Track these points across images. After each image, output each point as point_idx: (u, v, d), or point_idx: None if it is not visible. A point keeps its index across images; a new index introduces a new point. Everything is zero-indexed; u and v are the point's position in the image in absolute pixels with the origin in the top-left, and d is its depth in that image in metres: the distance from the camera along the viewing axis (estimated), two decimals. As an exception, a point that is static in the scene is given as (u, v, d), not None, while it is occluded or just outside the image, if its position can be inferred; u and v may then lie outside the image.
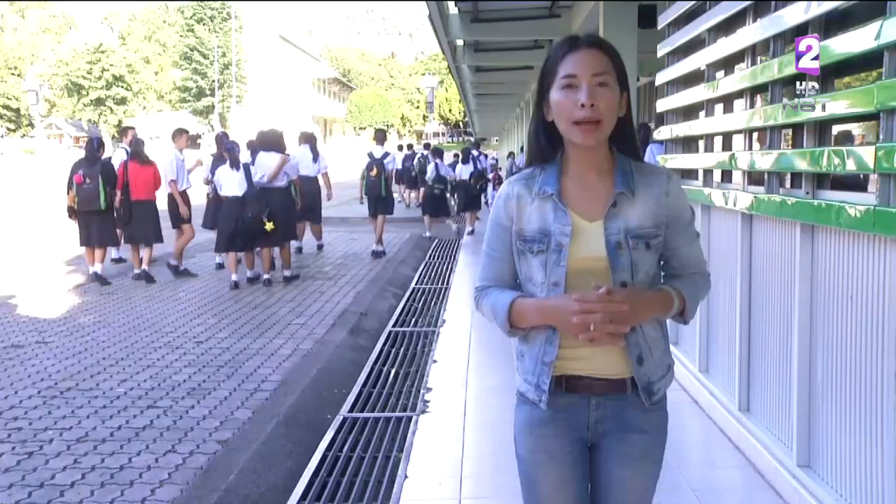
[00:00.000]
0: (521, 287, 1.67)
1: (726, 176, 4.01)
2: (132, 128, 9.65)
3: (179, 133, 8.98)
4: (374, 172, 10.76)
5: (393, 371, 5.20)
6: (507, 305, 1.60)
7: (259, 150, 8.63)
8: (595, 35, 1.61)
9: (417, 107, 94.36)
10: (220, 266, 9.45)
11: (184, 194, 8.84)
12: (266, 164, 8.43)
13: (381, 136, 11.64)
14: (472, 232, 13.03)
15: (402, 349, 5.75)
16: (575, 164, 1.62)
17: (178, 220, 8.92)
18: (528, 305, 1.59)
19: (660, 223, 1.59)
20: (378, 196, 10.85)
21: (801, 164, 2.91)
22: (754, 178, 3.58)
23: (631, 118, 1.64)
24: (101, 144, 8.65)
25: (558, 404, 1.63)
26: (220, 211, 8.24)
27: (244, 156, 8.87)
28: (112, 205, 8.30)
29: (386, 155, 11.12)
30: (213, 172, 8.89)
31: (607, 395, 1.61)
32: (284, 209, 8.49)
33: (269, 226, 7.94)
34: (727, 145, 3.98)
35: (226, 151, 8.31)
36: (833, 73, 2.82)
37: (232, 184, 7.99)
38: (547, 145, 1.64)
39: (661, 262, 1.66)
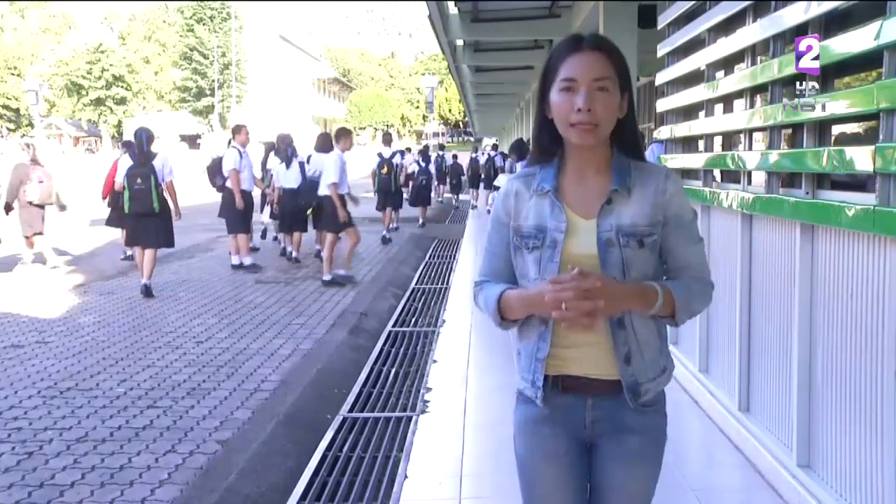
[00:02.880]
0: (517, 283, 1.67)
1: (726, 176, 4.01)
2: (244, 126, 9.72)
3: (345, 134, 8.69)
4: (385, 170, 12.65)
5: (393, 371, 5.20)
6: (497, 298, 1.62)
7: (315, 151, 9.69)
8: (599, 36, 1.59)
9: (417, 107, 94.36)
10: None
11: (341, 198, 8.39)
12: (320, 162, 9.32)
13: (387, 139, 13.78)
14: (422, 224, 14.88)
15: (402, 349, 5.75)
16: (574, 161, 1.62)
17: (341, 225, 8.56)
18: (513, 296, 1.60)
19: (655, 222, 1.58)
20: (389, 191, 12.75)
21: (801, 164, 2.91)
22: (754, 178, 3.58)
23: (633, 118, 1.63)
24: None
25: (555, 404, 1.63)
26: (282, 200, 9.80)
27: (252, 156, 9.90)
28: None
29: (394, 154, 13.24)
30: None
31: (603, 396, 1.61)
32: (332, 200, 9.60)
33: (309, 211, 9.32)
34: (727, 145, 3.98)
35: (281, 152, 9.81)
36: (833, 73, 2.82)
37: (289, 179, 9.63)
38: (549, 142, 1.64)
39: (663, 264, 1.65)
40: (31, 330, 6.40)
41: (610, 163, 1.61)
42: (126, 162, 7.73)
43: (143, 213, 7.59)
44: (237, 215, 9.26)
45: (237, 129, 9.57)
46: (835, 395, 2.76)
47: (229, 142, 9.57)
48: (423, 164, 15.84)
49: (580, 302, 1.43)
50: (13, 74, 60.81)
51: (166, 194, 7.69)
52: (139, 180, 7.52)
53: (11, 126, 60.95)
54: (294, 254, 10.04)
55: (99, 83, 60.83)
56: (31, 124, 58.40)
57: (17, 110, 60.00)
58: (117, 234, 10.67)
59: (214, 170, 9.57)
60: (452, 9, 11.08)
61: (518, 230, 1.63)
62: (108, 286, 8.44)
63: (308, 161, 9.66)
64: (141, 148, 7.67)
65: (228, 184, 9.21)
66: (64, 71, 61.66)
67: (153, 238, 7.73)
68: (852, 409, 2.63)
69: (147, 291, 7.79)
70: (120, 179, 7.71)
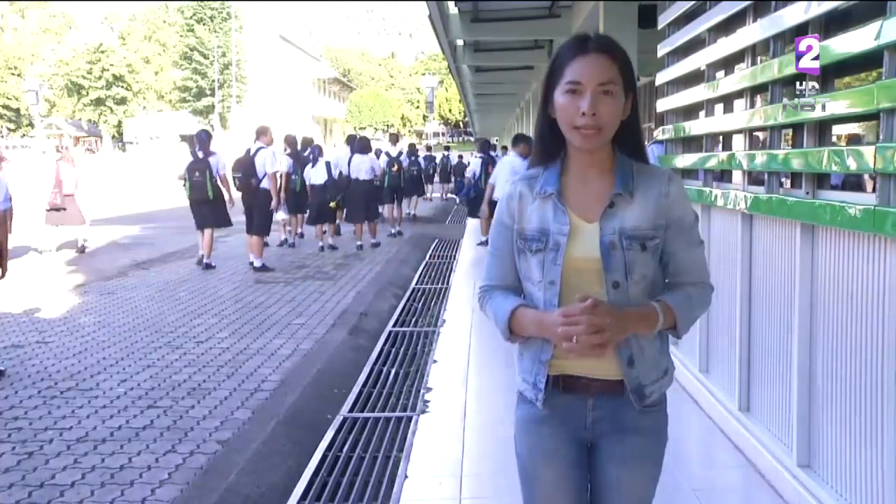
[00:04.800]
0: (522, 286, 1.68)
1: (726, 176, 4.01)
2: (269, 126, 9.84)
3: (524, 140, 9.23)
4: (395, 168, 13.84)
5: (393, 371, 5.20)
6: (508, 314, 1.62)
7: (356, 153, 11.31)
8: (605, 37, 1.58)
9: (417, 107, 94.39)
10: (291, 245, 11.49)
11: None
12: (358, 161, 11.10)
13: (394, 139, 15.30)
14: (413, 217, 16.31)
15: (402, 349, 5.75)
16: (577, 164, 1.62)
17: None
18: (527, 316, 1.60)
19: (658, 225, 1.58)
20: (398, 187, 13.88)
21: (801, 164, 2.91)
22: (754, 178, 3.58)
23: (637, 120, 1.62)
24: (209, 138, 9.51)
25: (556, 404, 1.64)
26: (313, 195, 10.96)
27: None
28: (220, 193, 9.36)
29: (400, 154, 14.57)
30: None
31: (604, 396, 1.61)
32: (368, 195, 11.17)
33: (332, 204, 10.81)
34: (727, 145, 3.98)
35: (310, 153, 11.14)
36: (833, 73, 2.82)
37: (317, 176, 10.89)
38: (552, 143, 1.64)
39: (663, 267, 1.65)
40: (31, 330, 6.40)
41: (613, 165, 1.61)
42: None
43: (200, 199, 9.05)
44: (268, 217, 9.53)
45: (263, 130, 9.68)
46: (835, 395, 2.76)
47: (254, 141, 9.57)
48: (411, 159, 16.61)
49: (591, 336, 1.46)
50: (13, 74, 60.79)
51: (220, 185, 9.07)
52: (197, 173, 9.00)
53: (11, 126, 60.94)
54: (330, 241, 11.17)
55: (99, 83, 60.84)
56: (31, 124, 58.41)
57: (17, 110, 59.98)
58: (117, 234, 10.69)
59: (247, 169, 9.41)
60: (452, 9, 11.08)
61: (521, 233, 1.63)
62: (108, 286, 8.44)
63: (350, 162, 11.06)
64: (202, 145, 9.11)
65: (264, 184, 9.31)
66: (64, 71, 61.67)
67: (210, 220, 9.22)
68: (852, 408, 2.63)
69: (207, 266, 9.25)
70: (182, 172, 9.17)
